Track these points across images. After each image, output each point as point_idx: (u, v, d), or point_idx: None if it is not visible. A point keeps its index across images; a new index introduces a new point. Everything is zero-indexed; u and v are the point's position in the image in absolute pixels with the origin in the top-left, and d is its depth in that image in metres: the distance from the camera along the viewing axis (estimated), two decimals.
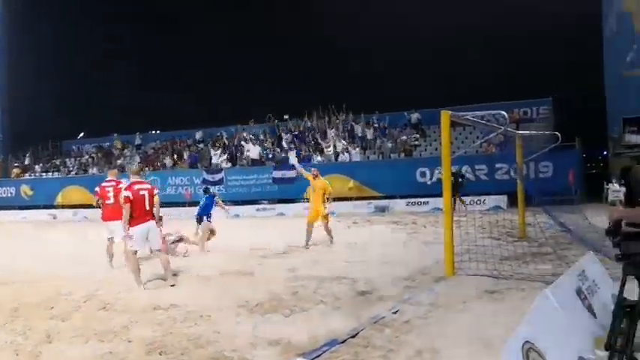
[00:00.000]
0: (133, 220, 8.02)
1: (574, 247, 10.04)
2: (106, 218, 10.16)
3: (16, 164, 33.78)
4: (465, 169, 21.21)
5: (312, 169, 12.92)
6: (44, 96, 38.73)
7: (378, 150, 25.43)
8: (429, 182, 22.04)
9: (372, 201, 22.93)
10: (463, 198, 19.76)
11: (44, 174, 32.51)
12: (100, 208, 10.44)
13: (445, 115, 7.98)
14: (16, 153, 35.44)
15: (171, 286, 8.00)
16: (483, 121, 9.54)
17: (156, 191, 8.43)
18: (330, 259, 10.26)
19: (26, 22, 36.70)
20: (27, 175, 32.50)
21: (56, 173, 32.34)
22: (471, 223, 14.96)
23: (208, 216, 12.55)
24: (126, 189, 8.22)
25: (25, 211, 28.49)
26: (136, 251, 8.22)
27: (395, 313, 5.99)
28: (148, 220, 8.15)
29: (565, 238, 11.17)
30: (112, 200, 9.97)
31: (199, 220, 12.72)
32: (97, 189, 10.56)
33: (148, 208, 8.13)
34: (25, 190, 29.61)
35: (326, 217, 12.32)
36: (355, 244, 12.37)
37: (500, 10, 33.87)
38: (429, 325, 5.53)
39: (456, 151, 16.75)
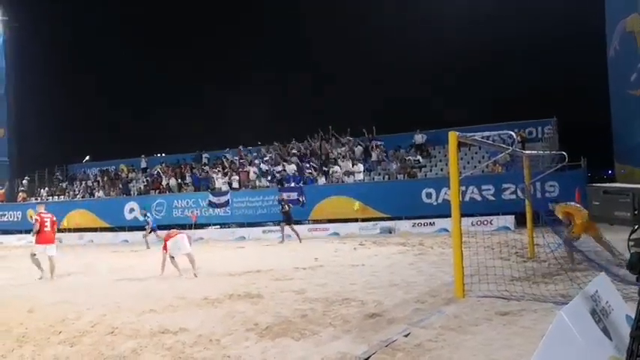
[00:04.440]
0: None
1: (584, 267, 9.96)
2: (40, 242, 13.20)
3: (21, 188, 33.95)
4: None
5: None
6: (49, 121, 39.07)
7: (383, 171, 25.45)
8: (435, 203, 21.99)
9: (378, 222, 22.86)
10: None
11: (50, 198, 32.57)
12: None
13: (453, 136, 7.96)
14: (21, 177, 35.61)
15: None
16: (490, 142, 9.50)
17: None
18: (337, 281, 10.19)
19: (30, 48, 37.13)
20: (33, 199, 32.56)
21: (62, 197, 32.41)
22: (480, 244, 14.95)
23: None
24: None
25: (26, 235, 28.52)
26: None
27: (406, 336, 5.92)
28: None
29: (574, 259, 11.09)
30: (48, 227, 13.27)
31: None
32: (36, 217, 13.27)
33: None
34: (32, 213, 29.57)
35: None
36: (363, 266, 12.31)
37: (502, 31, 34.11)
38: (441, 348, 5.46)
39: (462, 171, 16.72)
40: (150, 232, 21.89)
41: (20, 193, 33.21)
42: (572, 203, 11.58)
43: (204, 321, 7.09)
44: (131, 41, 41.63)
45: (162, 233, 16.31)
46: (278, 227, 24.39)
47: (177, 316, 7.53)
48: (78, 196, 31.91)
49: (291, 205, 22.10)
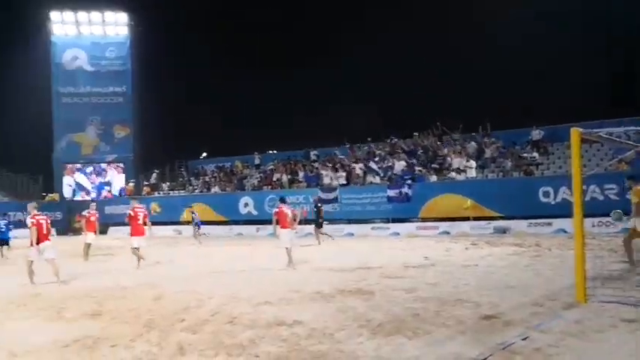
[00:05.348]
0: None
1: None
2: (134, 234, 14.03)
3: (145, 183, 36.34)
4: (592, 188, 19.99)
5: None
6: (170, 119, 41.60)
7: (497, 168, 24.61)
8: (552, 202, 20.93)
9: (490, 222, 22.13)
10: None
11: (170, 192, 34.59)
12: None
13: (575, 133, 7.52)
14: (145, 173, 38.15)
15: None
16: (616, 138, 8.92)
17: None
18: (450, 281, 10.02)
19: (153, 50, 39.65)
20: (156, 193, 34.74)
21: (181, 191, 34.31)
22: (602, 247, 14.12)
23: None
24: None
25: (153, 227, 30.35)
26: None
27: (524, 339, 5.74)
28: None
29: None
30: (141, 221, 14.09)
31: None
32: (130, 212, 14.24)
33: (45, 232, 11.39)
34: (154, 207, 31.59)
35: None
36: (476, 266, 12.01)
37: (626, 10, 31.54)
38: (562, 354, 5.24)
39: (584, 169, 15.80)
40: (196, 229, 23.28)
41: (145, 188, 35.55)
42: None
43: (317, 315, 7.24)
44: (244, 41, 43.24)
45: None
46: (387, 224, 24.41)
47: (292, 309, 7.75)
48: (196, 191, 33.61)
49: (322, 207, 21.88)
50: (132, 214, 14.14)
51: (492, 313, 7.03)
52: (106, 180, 39.00)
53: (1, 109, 36.84)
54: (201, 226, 23.81)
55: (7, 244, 18.87)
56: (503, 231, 21.27)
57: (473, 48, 37.09)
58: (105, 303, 8.77)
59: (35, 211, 11.54)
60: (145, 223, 14.24)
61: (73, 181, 38.27)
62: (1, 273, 14.04)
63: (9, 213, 25.89)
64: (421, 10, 38.40)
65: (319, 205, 21.79)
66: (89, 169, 38.74)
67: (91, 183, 38.58)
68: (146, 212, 14.84)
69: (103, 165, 38.99)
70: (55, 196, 37.69)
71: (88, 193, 38.00)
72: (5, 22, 38.10)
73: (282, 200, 14.09)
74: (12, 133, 36.29)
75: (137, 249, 13.90)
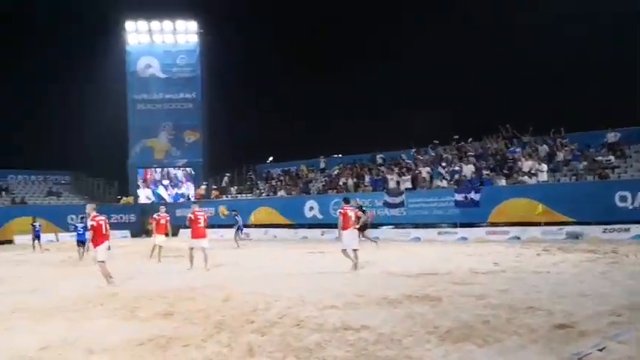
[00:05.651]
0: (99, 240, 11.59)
1: None
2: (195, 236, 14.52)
3: (214, 187, 37.24)
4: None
5: None
6: (237, 124, 42.47)
7: (569, 172, 23.73)
8: (630, 207, 19.98)
9: (563, 227, 21.34)
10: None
11: (238, 195, 35.29)
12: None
13: None
14: (214, 177, 39.12)
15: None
16: None
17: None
18: (521, 287, 9.73)
19: (221, 57, 40.64)
20: (224, 196, 35.53)
21: (249, 195, 34.93)
22: None
23: None
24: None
25: (222, 229, 30.96)
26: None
27: (601, 350, 5.51)
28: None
29: None
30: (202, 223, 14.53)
31: None
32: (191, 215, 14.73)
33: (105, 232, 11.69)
34: (223, 210, 32.28)
35: None
36: (548, 273, 11.61)
37: None
38: None
39: None
40: (237, 231, 23.76)
41: (214, 191, 36.42)
42: None
43: (384, 320, 7.20)
44: (309, 47, 43.55)
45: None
46: (455, 229, 23.98)
47: (358, 314, 7.74)
48: (263, 194, 34.14)
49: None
50: (192, 217, 14.64)
51: (566, 322, 6.78)
52: (181, 192, 40.39)
53: (80, 116, 38.67)
54: (244, 230, 24.23)
55: (84, 246, 19.69)
56: (577, 237, 20.44)
57: (541, 47, 35.94)
58: (176, 303, 9.04)
59: (94, 213, 11.88)
60: (205, 226, 14.74)
61: (151, 193, 39.71)
62: (79, 273, 14.70)
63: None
64: (487, 8, 37.54)
65: (363, 209, 21.82)
66: (166, 181, 40.18)
67: (169, 194, 39.96)
68: (207, 216, 15.45)
69: (179, 175, 40.35)
70: (130, 199, 39.29)
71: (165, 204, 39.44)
72: (83, 33, 39.97)
73: (346, 201, 14.07)
74: (90, 139, 38.00)
75: (193, 250, 14.45)
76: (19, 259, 20.55)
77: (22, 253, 22.95)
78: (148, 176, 40.43)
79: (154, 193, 39.59)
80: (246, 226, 31.24)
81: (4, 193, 35.62)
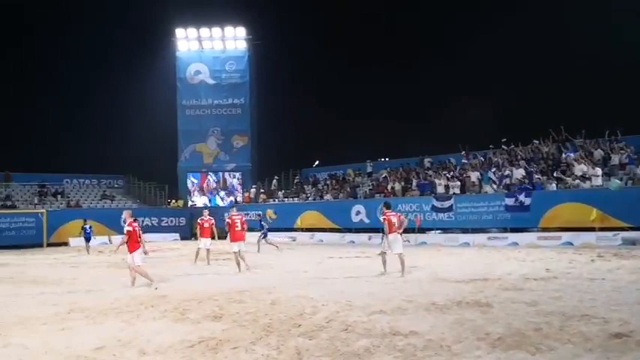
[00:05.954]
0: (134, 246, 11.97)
1: None
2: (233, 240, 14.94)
3: (262, 190, 37.59)
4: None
5: None
6: (285, 129, 42.91)
7: (625, 176, 22.91)
8: None
9: (619, 232, 20.62)
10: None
11: (285, 199, 35.52)
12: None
13: None
14: (262, 181, 39.54)
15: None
16: None
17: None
18: (574, 295, 9.45)
19: (268, 63, 41.36)
20: (271, 200, 35.83)
21: (296, 199, 35.12)
22: None
23: None
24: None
25: (269, 232, 31.32)
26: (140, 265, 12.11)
27: None
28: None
29: None
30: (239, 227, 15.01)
31: None
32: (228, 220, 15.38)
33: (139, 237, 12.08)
34: (270, 213, 32.55)
35: None
36: (603, 280, 11.24)
37: None
38: None
39: None
40: (262, 236, 23.91)
41: (261, 195, 36.77)
42: None
43: (433, 326, 7.12)
44: (356, 53, 43.60)
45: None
46: (505, 234, 23.51)
47: (407, 319, 7.67)
48: (309, 199, 34.26)
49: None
50: (230, 221, 15.18)
51: (623, 331, 6.55)
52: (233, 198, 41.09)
53: (132, 121, 39.71)
54: (268, 235, 24.52)
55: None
56: (633, 243, 19.72)
57: (597, 49, 34.89)
58: (225, 306, 9.16)
59: (131, 219, 12.27)
60: (243, 229, 15.19)
61: (207, 200, 40.40)
62: (129, 276, 15.03)
63: (138, 218, 27.78)
64: (539, 10, 36.76)
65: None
66: (222, 192, 40.88)
67: (224, 203, 40.61)
68: (244, 219, 15.77)
69: (235, 184, 41.01)
70: (180, 202, 40.02)
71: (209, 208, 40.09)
72: (135, 40, 41.12)
73: (387, 206, 13.96)
74: (141, 144, 38.94)
75: (237, 253, 14.86)
76: (73, 260, 21.20)
77: (76, 255, 23.70)
78: (205, 185, 41.13)
79: (211, 202, 40.22)
80: (292, 229, 31.51)
81: (59, 196, 36.74)
